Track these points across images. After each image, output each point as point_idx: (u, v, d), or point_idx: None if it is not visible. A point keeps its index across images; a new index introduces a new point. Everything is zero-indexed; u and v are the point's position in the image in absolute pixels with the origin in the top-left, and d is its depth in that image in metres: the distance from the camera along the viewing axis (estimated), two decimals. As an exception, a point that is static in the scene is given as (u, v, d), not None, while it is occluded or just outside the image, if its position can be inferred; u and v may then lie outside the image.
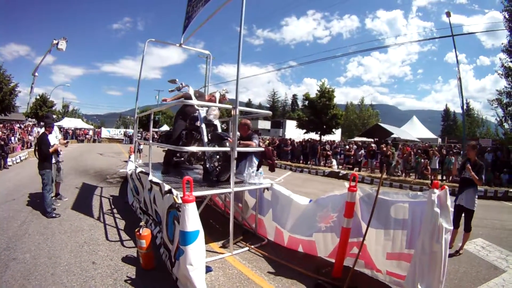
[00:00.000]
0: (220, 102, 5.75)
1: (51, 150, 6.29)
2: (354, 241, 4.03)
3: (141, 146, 15.54)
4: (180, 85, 5.83)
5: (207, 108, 5.35)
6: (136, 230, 4.06)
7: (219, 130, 5.40)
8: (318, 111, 26.29)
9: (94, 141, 40.68)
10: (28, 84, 35.45)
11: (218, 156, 5.18)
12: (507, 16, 17.62)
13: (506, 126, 18.92)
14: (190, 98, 5.75)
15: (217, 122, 5.45)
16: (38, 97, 40.84)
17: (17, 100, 33.17)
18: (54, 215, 5.95)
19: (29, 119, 36.38)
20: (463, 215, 5.43)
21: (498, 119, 18.99)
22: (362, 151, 18.61)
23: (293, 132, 35.96)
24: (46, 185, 6.10)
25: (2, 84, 29.25)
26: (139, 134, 34.06)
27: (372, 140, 26.86)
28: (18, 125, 29.53)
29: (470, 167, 5.34)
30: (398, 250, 3.62)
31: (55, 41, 30.26)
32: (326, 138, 28.65)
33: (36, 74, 33.78)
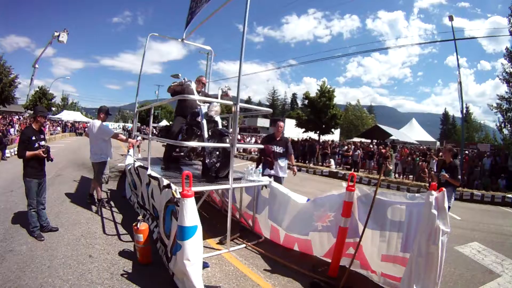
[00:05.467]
0: (221, 98, 5.78)
1: (28, 154, 4.52)
2: (350, 241, 4.04)
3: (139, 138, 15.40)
4: (183, 80, 5.83)
5: (208, 104, 5.35)
6: (134, 224, 4.07)
7: (220, 126, 5.42)
8: (318, 111, 26.35)
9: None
10: (28, 76, 35.45)
11: (217, 152, 5.19)
12: None
13: (505, 131, 19.00)
14: (191, 92, 5.76)
15: (218, 118, 5.45)
16: (37, 89, 40.85)
17: (16, 91, 33.19)
18: (36, 235, 4.61)
19: (28, 111, 36.34)
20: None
21: (498, 125, 19.08)
22: (359, 151, 18.66)
23: (292, 131, 35.98)
24: (27, 197, 4.72)
25: (2, 76, 29.30)
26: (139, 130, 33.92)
27: (370, 141, 26.92)
28: (17, 117, 29.50)
29: (444, 174, 5.74)
30: (393, 253, 3.62)
31: (56, 33, 30.19)
32: (325, 138, 28.70)
33: (37, 66, 33.76)
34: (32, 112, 37.06)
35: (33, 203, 4.68)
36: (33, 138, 4.63)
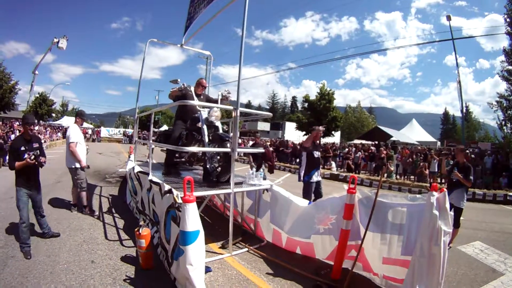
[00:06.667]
0: (221, 102, 5.78)
1: (17, 165, 4.32)
2: (352, 244, 4.03)
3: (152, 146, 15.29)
4: (182, 86, 5.82)
5: (208, 110, 5.36)
6: (136, 229, 4.07)
7: (220, 131, 5.42)
8: (318, 113, 26.43)
9: (94, 140, 40.55)
10: (28, 82, 35.46)
11: (218, 157, 5.19)
12: (508, 20, 17.71)
13: (506, 130, 18.98)
14: (191, 97, 5.77)
15: (218, 123, 5.45)
16: (37, 95, 40.96)
17: (16, 98, 33.35)
18: (24, 251, 4.26)
19: (29, 117, 36.32)
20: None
21: (499, 122, 19.06)
22: (359, 153, 18.67)
23: (292, 134, 36.05)
24: (18, 209, 4.46)
25: (2, 82, 29.40)
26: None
27: (371, 143, 26.92)
28: (17, 123, 29.49)
29: (457, 173, 5.66)
30: (394, 255, 3.60)
31: (55, 40, 30.24)
32: (326, 140, 28.73)
33: (36, 72, 33.73)
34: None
35: (23, 216, 4.39)
36: (22, 148, 4.41)
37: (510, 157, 14.83)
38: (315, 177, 6.13)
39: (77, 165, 6.24)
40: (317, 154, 6.14)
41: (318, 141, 6.33)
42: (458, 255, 5.31)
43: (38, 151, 4.51)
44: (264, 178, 5.34)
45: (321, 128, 6.43)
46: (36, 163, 4.39)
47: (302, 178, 6.17)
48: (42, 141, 5.31)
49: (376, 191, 3.72)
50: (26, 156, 4.34)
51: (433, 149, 22.14)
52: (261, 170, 6.02)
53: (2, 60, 31.33)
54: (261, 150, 5.93)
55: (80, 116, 6.55)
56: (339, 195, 4.19)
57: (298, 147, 19.50)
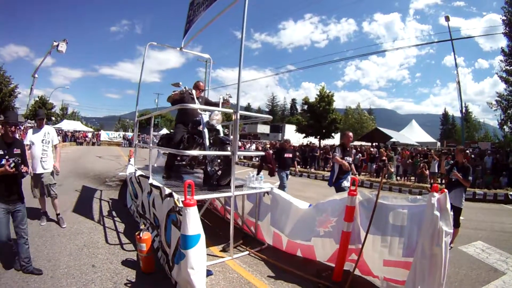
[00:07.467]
0: (222, 106, 5.79)
1: None
2: (352, 247, 4.02)
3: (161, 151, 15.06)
4: (183, 89, 5.81)
5: (209, 113, 5.35)
6: (137, 233, 4.05)
7: (221, 134, 5.41)
8: (318, 116, 26.37)
9: (93, 144, 40.60)
10: (27, 85, 35.55)
11: (219, 160, 5.19)
12: (506, 22, 17.79)
13: (506, 129, 19.01)
14: (191, 101, 5.76)
15: (219, 127, 5.45)
16: (37, 98, 41.03)
17: (16, 101, 33.33)
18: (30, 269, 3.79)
19: (28, 120, 36.38)
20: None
21: (499, 121, 19.11)
22: (360, 155, 18.68)
23: (292, 136, 36.01)
24: None
25: (1, 85, 29.41)
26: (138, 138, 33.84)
27: (371, 144, 26.93)
28: (17, 126, 29.54)
29: (456, 173, 5.69)
30: (395, 258, 3.60)
31: (55, 43, 30.30)
32: (326, 142, 28.73)
33: (36, 75, 33.78)
34: (33, 121, 37.12)
35: (2, 235, 3.80)
36: (1, 152, 3.72)
37: (510, 156, 14.84)
38: (346, 182, 6.08)
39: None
40: (347, 159, 6.13)
41: (349, 147, 6.32)
42: (460, 255, 5.31)
43: (19, 158, 3.81)
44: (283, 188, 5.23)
45: (348, 133, 6.46)
46: (17, 172, 3.69)
47: (332, 183, 6.20)
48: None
49: (377, 193, 3.72)
50: (3, 162, 3.62)
51: (433, 149, 22.12)
52: (261, 174, 6.00)
53: (2, 64, 31.58)
54: (262, 153, 5.92)
55: (35, 117, 6.01)
56: (339, 197, 4.19)
57: (331, 155, 19.57)
